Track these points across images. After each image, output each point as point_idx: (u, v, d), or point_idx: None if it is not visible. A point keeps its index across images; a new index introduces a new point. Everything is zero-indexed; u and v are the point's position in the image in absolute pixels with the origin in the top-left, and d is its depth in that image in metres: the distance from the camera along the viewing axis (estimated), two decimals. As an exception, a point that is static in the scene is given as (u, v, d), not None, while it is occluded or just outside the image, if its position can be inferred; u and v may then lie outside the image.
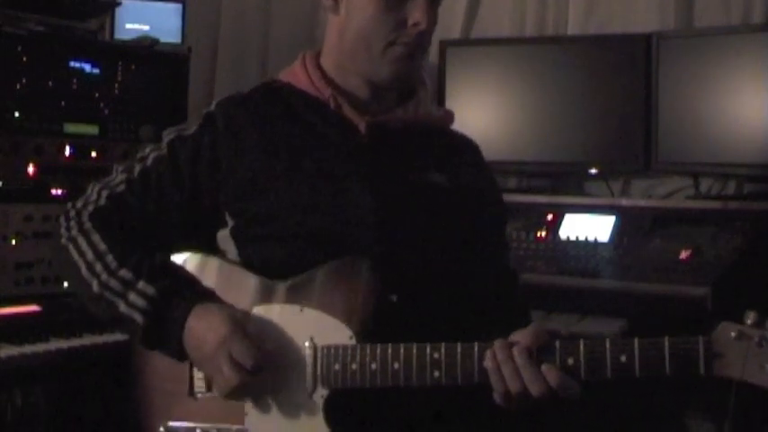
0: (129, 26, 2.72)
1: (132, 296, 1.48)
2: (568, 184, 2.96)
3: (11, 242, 2.26)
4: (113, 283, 1.50)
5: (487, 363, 1.34)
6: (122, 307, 1.49)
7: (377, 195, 1.51)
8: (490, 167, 1.73)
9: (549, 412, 1.37)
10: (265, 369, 1.41)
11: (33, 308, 2.24)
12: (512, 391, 1.33)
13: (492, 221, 1.66)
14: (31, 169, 2.33)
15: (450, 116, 1.71)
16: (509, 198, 1.76)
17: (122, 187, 1.59)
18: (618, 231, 2.52)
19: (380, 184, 1.53)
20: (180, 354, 1.47)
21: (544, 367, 1.32)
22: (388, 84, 1.56)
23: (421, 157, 1.60)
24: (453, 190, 1.58)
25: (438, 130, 1.67)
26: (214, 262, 1.57)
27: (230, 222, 1.58)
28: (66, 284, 2.19)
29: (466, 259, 1.57)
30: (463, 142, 1.72)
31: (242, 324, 1.43)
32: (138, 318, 1.47)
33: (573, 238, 2.55)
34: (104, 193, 1.59)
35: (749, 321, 1.26)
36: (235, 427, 1.48)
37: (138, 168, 1.59)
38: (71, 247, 1.55)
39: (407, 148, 1.59)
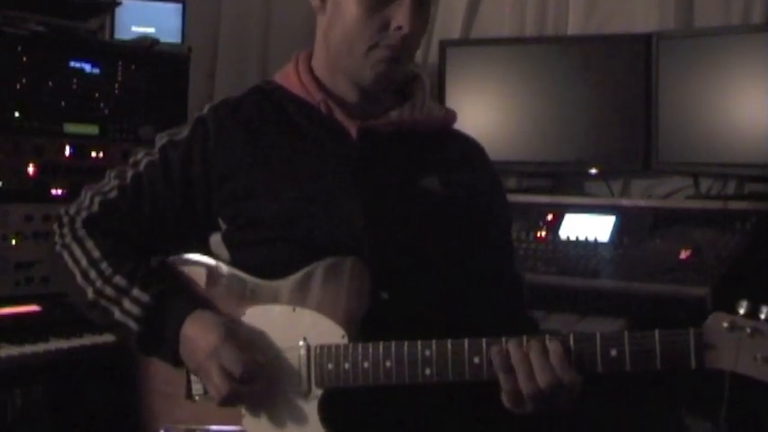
0: (129, 26, 2.72)
1: (127, 303, 1.49)
2: (568, 184, 2.96)
3: (11, 242, 2.26)
4: (108, 290, 1.51)
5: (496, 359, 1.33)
6: (117, 314, 1.49)
7: (367, 202, 1.50)
8: (495, 169, 1.70)
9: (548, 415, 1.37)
10: (257, 376, 1.41)
11: (33, 308, 2.24)
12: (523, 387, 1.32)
13: (492, 225, 1.63)
14: (31, 169, 2.33)
15: (451, 116, 1.68)
16: (509, 198, 1.75)
17: (115, 193, 1.59)
18: (618, 231, 2.52)
19: (371, 190, 1.51)
20: (175, 361, 1.48)
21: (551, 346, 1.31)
22: (371, 86, 1.54)
23: (415, 161, 1.58)
24: (446, 195, 1.56)
25: (438, 131, 1.64)
26: (208, 263, 1.56)
27: (223, 226, 1.58)
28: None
29: (459, 261, 1.55)
30: (465, 144, 1.69)
31: (233, 332, 1.44)
32: (133, 325, 1.48)
33: (573, 238, 2.55)
34: (97, 200, 1.59)
35: (741, 311, 1.24)
36: (232, 428, 1.48)
37: (130, 174, 1.60)
38: (65, 254, 1.56)
39: (401, 152, 1.57)
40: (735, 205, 2.45)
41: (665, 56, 2.67)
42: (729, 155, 2.56)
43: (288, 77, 1.62)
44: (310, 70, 1.61)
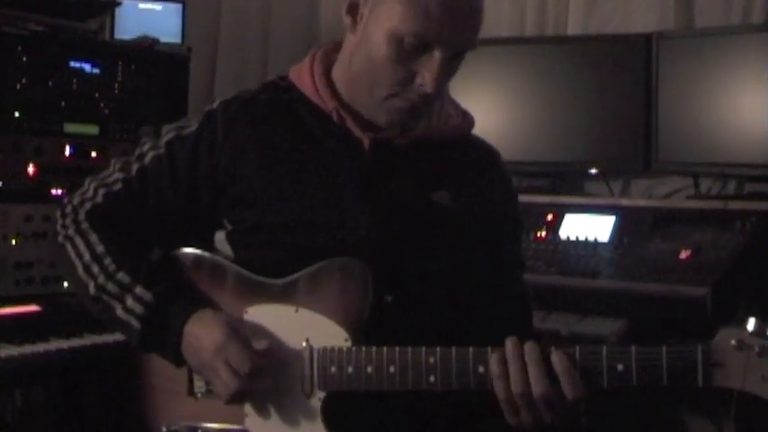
0: (129, 26, 2.72)
1: (129, 301, 1.48)
2: (568, 184, 2.96)
3: (11, 242, 2.26)
4: (111, 286, 1.50)
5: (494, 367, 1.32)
6: (119, 311, 1.49)
7: (375, 215, 1.48)
8: (510, 179, 1.66)
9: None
10: (263, 373, 1.41)
11: (33, 308, 2.24)
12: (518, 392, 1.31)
13: (502, 238, 1.60)
14: (31, 169, 2.33)
15: (469, 123, 1.62)
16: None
17: (119, 186, 1.57)
18: (618, 231, 2.52)
19: (380, 203, 1.49)
20: (177, 360, 1.48)
21: (554, 357, 1.30)
22: (383, 128, 1.50)
23: (427, 174, 1.54)
24: (456, 209, 1.52)
25: (454, 140, 1.60)
26: (211, 260, 1.56)
27: (228, 227, 1.57)
28: (66, 284, 2.20)
29: (465, 272, 1.52)
30: (481, 153, 1.64)
31: (238, 329, 1.43)
32: (135, 323, 1.48)
33: (573, 238, 2.55)
34: (101, 191, 1.58)
35: (750, 329, 1.22)
36: (235, 427, 1.48)
37: (135, 167, 1.58)
38: (68, 246, 1.55)
39: (413, 165, 1.53)
40: (735, 205, 2.45)
41: (665, 56, 2.67)
42: (729, 155, 2.56)
43: (302, 77, 1.57)
44: (326, 73, 1.55)
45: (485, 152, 1.65)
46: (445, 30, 1.40)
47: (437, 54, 1.42)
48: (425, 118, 1.55)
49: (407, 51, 1.42)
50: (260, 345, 1.42)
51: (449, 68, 1.45)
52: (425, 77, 1.42)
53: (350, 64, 1.51)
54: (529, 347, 1.32)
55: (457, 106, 1.63)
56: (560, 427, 1.34)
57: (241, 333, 1.43)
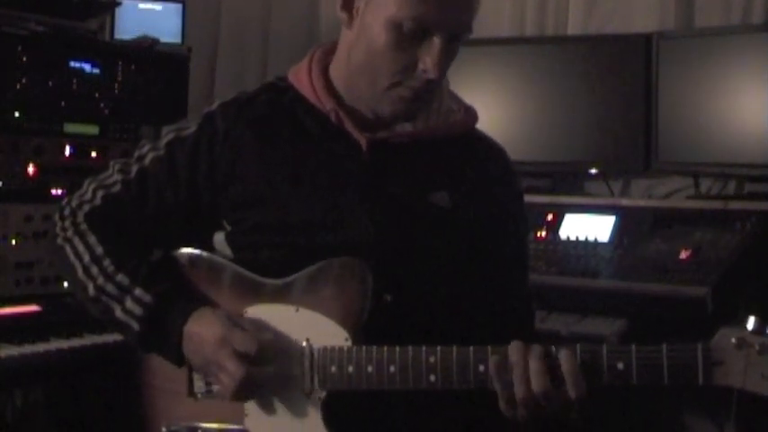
0: (129, 26, 2.73)
1: (129, 303, 1.48)
2: (568, 184, 2.96)
3: (11, 242, 2.26)
4: (110, 287, 1.50)
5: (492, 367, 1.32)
6: (118, 312, 1.49)
7: (374, 216, 1.47)
8: (515, 176, 1.65)
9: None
10: (266, 361, 1.40)
11: (33, 308, 2.24)
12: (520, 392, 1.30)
13: (506, 237, 1.59)
14: (31, 169, 2.33)
15: (471, 117, 1.62)
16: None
17: (118, 188, 1.57)
18: (618, 231, 2.52)
19: (378, 204, 1.48)
20: (178, 360, 1.48)
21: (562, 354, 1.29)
22: (387, 119, 1.50)
23: (426, 174, 1.53)
24: (455, 210, 1.51)
25: (457, 136, 1.58)
26: (210, 260, 1.56)
27: (227, 228, 1.57)
28: (66, 284, 2.20)
29: (464, 273, 1.52)
30: (485, 149, 1.63)
31: (237, 322, 1.44)
32: (135, 325, 1.48)
33: (573, 238, 2.55)
34: (100, 193, 1.58)
35: (750, 327, 1.22)
36: (235, 427, 1.48)
37: (135, 169, 1.58)
38: (67, 248, 1.55)
39: (412, 165, 1.52)
40: (735, 205, 2.45)
41: (665, 56, 2.67)
42: (729, 155, 2.56)
43: (300, 78, 1.57)
44: (324, 73, 1.55)
45: (489, 148, 1.65)
46: (443, 11, 1.42)
47: (436, 39, 1.43)
48: (426, 110, 1.55)
49: (407, 38, 1.43)
50: (261, 334, 1.42)
51: (448, 53, 1.46)
52: (427, 63, 1.43)
53: (348, 59, 1.51)
54: (535, 357, 1.30)
55: (459, 101, 1.63)
56: (555, 420, 1.34)
57: (241, 324, 1.43)
